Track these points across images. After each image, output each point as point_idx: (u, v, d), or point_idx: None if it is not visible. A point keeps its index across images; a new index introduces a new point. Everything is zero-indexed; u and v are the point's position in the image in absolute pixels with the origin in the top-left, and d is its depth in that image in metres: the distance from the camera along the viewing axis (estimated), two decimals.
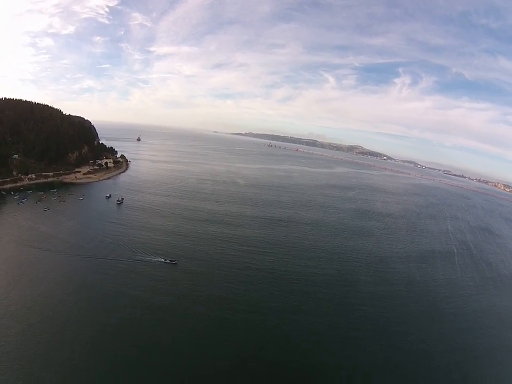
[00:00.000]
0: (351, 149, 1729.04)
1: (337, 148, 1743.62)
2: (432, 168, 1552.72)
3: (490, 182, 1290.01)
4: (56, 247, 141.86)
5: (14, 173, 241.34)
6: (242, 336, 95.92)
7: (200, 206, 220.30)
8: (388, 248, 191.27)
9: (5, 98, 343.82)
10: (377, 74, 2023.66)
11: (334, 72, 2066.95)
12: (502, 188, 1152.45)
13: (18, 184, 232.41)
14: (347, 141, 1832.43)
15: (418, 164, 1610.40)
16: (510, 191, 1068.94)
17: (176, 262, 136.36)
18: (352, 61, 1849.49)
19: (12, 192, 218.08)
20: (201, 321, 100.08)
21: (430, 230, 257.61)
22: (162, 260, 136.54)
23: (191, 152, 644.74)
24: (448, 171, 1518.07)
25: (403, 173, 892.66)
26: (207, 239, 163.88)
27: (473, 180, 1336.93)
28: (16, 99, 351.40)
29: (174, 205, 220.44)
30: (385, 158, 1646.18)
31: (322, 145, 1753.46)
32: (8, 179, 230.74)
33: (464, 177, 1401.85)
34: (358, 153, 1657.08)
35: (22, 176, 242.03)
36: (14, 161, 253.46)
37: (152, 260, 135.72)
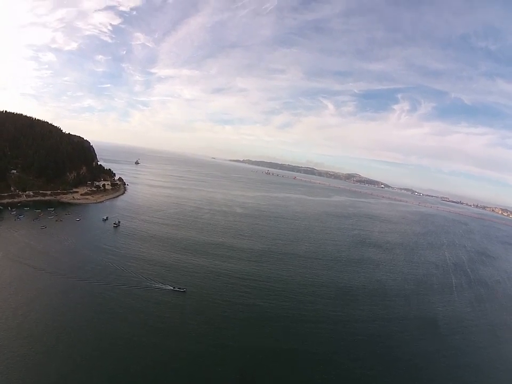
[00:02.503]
0: (348, 177, 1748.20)
1: (335, 176, 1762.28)
2: (429, 195, 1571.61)
3: (488, 207, 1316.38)
4: (52, 267, 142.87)
5: (12, 188, 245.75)
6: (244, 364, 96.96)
7: (195, 235, 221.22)
8: (385, 278, 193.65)
9: (5, 111, 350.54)
10: (376, 101, 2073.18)
11: (333, 98, 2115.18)
12: (500, 212, 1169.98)
13: (16, 200, 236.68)
14: (345, 169, 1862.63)
15: (416, 191, 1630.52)
16: (507, 215, 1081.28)
17: (185, 289, 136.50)
18: (351, 87, 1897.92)
19: (9, 208, 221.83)
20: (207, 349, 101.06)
21: (428, 257, 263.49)
22: (171, 287, 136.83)
23: (189, 178, 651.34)
24: (446, 198, 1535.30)
25: (400, 200, 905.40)
26: (203, 270, 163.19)
27: (470, 205, 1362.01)
28: (16, 113, 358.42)
29: (170, 232, 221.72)
30: (382, 186, 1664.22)
31: (320, 174, 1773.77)
32: (6, 194, 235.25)
33: (462, 203, 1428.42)
34: (356, 181, 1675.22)
35: (20, 192, 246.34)
36: (13, 176, 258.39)
37: (160, 287, 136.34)
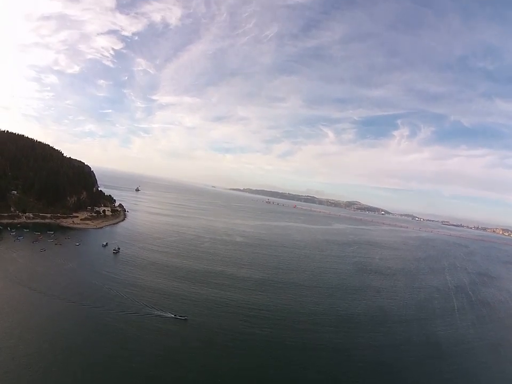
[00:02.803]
0: (349, 204, 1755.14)
1: (335, 204, 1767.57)
2: (430, 220, 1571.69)
3: (488, 229, 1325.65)
4: (51, 289, 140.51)
5: (12, 209, 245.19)
6: None
7: (195, 263, 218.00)
8: (386, 304, 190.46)
9: (7, 131, 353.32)
10: (376, 128, 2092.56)
11: (333, 126, 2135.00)
12: (501, 232, 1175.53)
13: (15, 221, 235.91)
14: (345, 197, 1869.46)
15: (416, 217, 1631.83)
16: (508, 235, 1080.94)
17: (186, 317, 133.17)
18: (351, 114, 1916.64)
19: (9, 228, 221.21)
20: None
21: (429, 281, 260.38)
22: (172, 315, 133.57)
23: (189, 206, 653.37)
24: (446, 221, 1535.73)
25: (401, 226, 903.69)
26: (204, 298, 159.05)
27: (471, 228, 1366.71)
28: (18, 134, 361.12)
29: (170, 260, 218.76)
30: (383, 212, 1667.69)
31: (320, 202, 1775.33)
32: (6, 214, 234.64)
33: (463, 226, 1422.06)
34: (356, 209, 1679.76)
35: (20, 213, 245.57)
36: (13, 197, 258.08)
37: (161, 315, 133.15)
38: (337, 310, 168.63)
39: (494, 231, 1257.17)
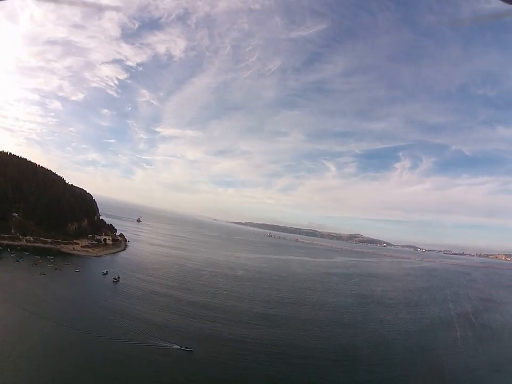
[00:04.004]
0: (350, 237, 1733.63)
1: (337, 237, 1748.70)
2: (432, 250, 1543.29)
3: (491, 255, 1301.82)
4: (50, 314, 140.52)
5: (13, 231, 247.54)
6: None
7: (196, 296, 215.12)
8: (388, 335, 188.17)
9: (10, 153, 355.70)
10: (377, 161, 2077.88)
11: (335, 160, 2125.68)
12: (503, 258, 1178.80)
13: (15, 243, 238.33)
14: (347, 230, 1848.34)
15: (418, 248, 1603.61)
16: (511, 260, 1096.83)
17: (192, 349, 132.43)
18: (353, 148, 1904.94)
19: (9, 249, 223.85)
20: None
21: (431, 311, 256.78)
22: (177, 346, 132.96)
23: (190, 238, 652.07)
24: (449, 251, 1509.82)
25: (403, 258, 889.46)
26: (206, 332, 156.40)
27: (473, 255, 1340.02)
28: (21, 157, 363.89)
29: (171, 291, 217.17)
30: (384, 244, 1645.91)
31: (322, 235, 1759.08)
32: (6, 236, 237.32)
33: (465, 254, 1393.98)
34: (358, 241, 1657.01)
35: (20, 236, 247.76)
36: (14, 219, 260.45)
37: (166, 346, 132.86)
38: (339, 343, 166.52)
39: (496, 257, 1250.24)
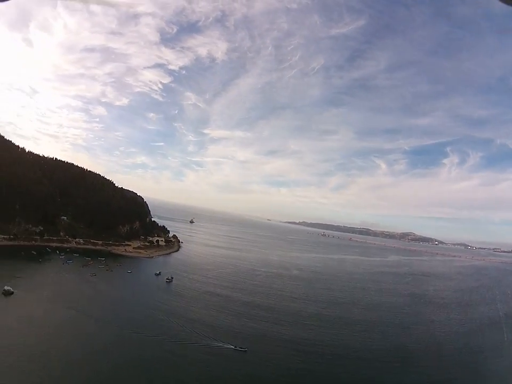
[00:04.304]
0: (403, 236, 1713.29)
1: (390, 235, 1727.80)
2: (482, 248, 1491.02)
3: None
4: (99, 313, 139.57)
5: (62, 234, 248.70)
6: None
7: (250, 297, 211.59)
8: (439, 336, 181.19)
9: (56, 159, 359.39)
10: (426, 157, 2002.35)
11: (385, 157, 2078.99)
12: None
13: (65, 245, 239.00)
14: (399, 228, 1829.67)
15: (469, 245, 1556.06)
16: None
17: (246, 349, 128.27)
18: (402, 144, 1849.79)
19: (58, 251, 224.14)
20: None
21: (480, 310, 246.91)
22: (232, 346, 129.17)
23: (244, 238, 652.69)
24: (498, 248, 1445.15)
25: (454, 256, 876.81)
26: (259, 332, 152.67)
27: None
28: (67, 162, 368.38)
29: (225, 292, 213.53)
30: (436, 242, 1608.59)
31: (375, 234, 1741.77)
32: (55, 238, 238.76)
33: None
34: (410, 240, 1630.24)
35: (70, 239, 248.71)
36: (62, 222, 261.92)
37: (220, 346, 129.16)
38: (391, 344, 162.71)
39: None
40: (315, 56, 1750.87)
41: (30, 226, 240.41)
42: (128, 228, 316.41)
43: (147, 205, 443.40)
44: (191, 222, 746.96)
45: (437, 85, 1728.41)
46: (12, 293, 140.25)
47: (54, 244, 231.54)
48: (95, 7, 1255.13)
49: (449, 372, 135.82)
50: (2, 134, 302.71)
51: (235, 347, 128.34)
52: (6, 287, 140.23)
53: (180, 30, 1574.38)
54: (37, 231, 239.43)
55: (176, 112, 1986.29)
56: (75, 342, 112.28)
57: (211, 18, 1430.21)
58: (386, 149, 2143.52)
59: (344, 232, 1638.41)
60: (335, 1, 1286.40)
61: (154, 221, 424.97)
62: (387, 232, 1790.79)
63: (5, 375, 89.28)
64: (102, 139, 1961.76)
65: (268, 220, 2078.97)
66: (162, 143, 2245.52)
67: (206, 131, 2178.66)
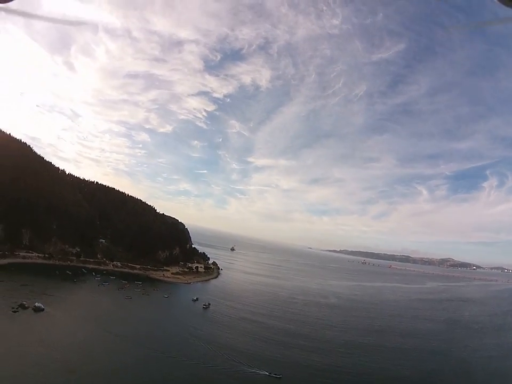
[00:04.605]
0: (442, 262, 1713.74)
1: (429, 262, 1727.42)
2: None
3: None
4: (132, 336, 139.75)
5: (99, 256, 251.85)
6: None
7: (287, 325, 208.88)
8: (472, 361, 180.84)
9: (97, 182, 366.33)
10: (467, 181, 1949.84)
11: (426, 183, 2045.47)
12: None
13: (101, 267, 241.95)
14: (438, 254, 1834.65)
15: (506, 269, 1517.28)
16: None
17: (281, 376, 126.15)
18: (443, 169, 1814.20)
19: (94, 273, 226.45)
20: None
21: None
22: (266, 373, 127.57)
23: (284, 266, 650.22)
24: None
25: (490, 280, 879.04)
26: (294, 360, 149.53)
27: None
28: (108, 186, 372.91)
29: (262, 319, 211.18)
30: (474, 267, 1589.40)
31: (414, 261, 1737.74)
32: (92, 260, 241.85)
33: None
34: (449, 265, 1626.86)
35: (107, 261, 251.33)
36: (100, 245, 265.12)
37: (254, 372, 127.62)
38: (424, 371, 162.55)
39: None
40: (358, 83, 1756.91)
41: (67, 246, 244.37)
42: (167, 254, 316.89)
43: (188, 231, 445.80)
44: (232, 249, 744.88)
45: (477, 107, 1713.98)
46: (43, 309, 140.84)
47: (90, 266, 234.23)
48: (137, 33, 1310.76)
49: None
50: (42, 155, 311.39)
51: (269, 373, 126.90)
52: (36, 304, 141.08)
53: (223, 57, 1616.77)
54: (74, 251, 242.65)
55: (220, 140, 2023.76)
56: (102, 361, 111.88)
57: (254, 46, 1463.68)
58: (428, 174, 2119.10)
59: (384, 259, 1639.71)
60: (375, 25, 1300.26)
61: (194, 247, 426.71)
62: (426, 258, 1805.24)
63: None
64: (145, 165, 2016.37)
65: (309, 248, 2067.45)
66: (205, 171, 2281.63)
67: (250, 159, 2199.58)
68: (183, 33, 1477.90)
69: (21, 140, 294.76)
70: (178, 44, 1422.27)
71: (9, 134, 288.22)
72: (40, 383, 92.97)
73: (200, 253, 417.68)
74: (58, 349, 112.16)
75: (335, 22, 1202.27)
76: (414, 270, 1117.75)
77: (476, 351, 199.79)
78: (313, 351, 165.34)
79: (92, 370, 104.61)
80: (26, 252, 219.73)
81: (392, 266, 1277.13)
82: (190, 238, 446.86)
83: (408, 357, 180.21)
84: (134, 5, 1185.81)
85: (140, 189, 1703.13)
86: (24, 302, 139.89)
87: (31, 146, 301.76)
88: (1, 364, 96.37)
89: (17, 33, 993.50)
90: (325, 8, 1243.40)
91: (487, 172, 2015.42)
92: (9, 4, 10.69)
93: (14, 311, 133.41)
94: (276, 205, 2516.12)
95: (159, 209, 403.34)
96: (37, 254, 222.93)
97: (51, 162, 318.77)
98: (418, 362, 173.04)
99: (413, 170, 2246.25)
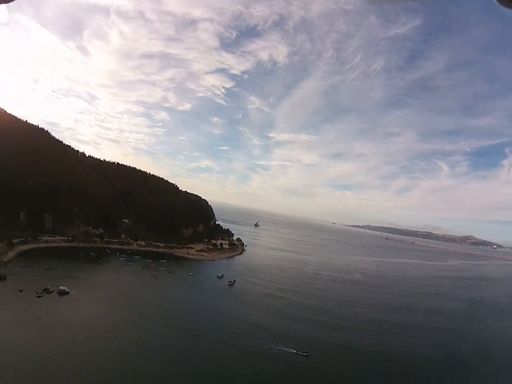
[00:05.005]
0: (463, 239, 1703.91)
1: (451, 239, 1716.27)
2: None
3: None
4: (158, 315, 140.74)
5: (123, 236, 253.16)
6: None
7: (313, 301, 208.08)
8: (492, 344, 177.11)
9: (117, 163, 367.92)
10: (486, 158, 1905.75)
11: (447, 159, 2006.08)
12: None
13: (125, 247, 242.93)
14: (460, 231, 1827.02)
15: None
16: None
17: (308, 353, 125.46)
18: (463, 146, 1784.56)
19: (118, 253, 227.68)
20: None
21: None
22: (294, 350, 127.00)
23: (308, 242, 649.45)
24: None
25: (511, 260, 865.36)
26: (320, 337, 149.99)
27: None
28: (129, 166, 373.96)
29: (288, 296, 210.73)
30: (495, 246, 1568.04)
31: (436, 238, 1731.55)
32: (116, 240, 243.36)
33: None
34: (470, 243, 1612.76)
35: (131, 241, 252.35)
36: (124, 225, 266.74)
37: (282, 350, 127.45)
38: (446, 351, 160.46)
39: None
40: (375, 58, 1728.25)
41: (90, 228, 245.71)
42: (191, 231, 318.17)
43: (211, 208, 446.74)
44: (256, 225, 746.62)
45: (494, 84, 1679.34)
46: (67, 292, 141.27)
47: (114, 246, 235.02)
48: (150, 14, 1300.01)
49: (498, 377, 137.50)
50: (61, 139, 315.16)
51: (297, 351, 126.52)
52: (61, 287, 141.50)
53: (239, 34, 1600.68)
54: (97, 233, 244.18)
55: (240, 116, 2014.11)
56: (127, 340, 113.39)
57: (269, 22, 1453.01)
58: (448, 150, 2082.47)
59: (407, 235, 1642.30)
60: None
61: (218, 224, 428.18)
62: (448, 235, 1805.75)
63: (52, 371, 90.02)
64: (165, 143, 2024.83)
65: (333, 223, 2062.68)
66: (226, 147, 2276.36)
67: (271, 135, 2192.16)
68: (197, 12, 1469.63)
69: (38, 126, 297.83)
70: (192, 22, 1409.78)
71: (26, 120, 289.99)
72: (65, 364, 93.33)
73: (224, 229, 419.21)
74: (83, 330, 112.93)
75: None
76: (436, 247, 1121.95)
77: (497, 333, 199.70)
78: (338, 328, 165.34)
79: (118, 348, 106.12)
80: (49, 236, 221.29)
81: (415, 242, 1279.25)
82: (214, 214, 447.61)
83: (430, 335, 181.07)
84: None
85: (161, 168, 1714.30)
86: (49, 286, 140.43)
87: (48, 131, 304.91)
88: (27, 348, 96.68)
89: (28, 23, 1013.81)
90: None
91: (506, 150, 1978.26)
92: (10, 4, 10.19)
93: (39, 296, 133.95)
94: (298, 180, 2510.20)
95: (182, 187, 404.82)
96: (60, 238, 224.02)
97: (70, 146, 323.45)
98: (440, 342, 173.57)
99: (433, 146, 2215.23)
